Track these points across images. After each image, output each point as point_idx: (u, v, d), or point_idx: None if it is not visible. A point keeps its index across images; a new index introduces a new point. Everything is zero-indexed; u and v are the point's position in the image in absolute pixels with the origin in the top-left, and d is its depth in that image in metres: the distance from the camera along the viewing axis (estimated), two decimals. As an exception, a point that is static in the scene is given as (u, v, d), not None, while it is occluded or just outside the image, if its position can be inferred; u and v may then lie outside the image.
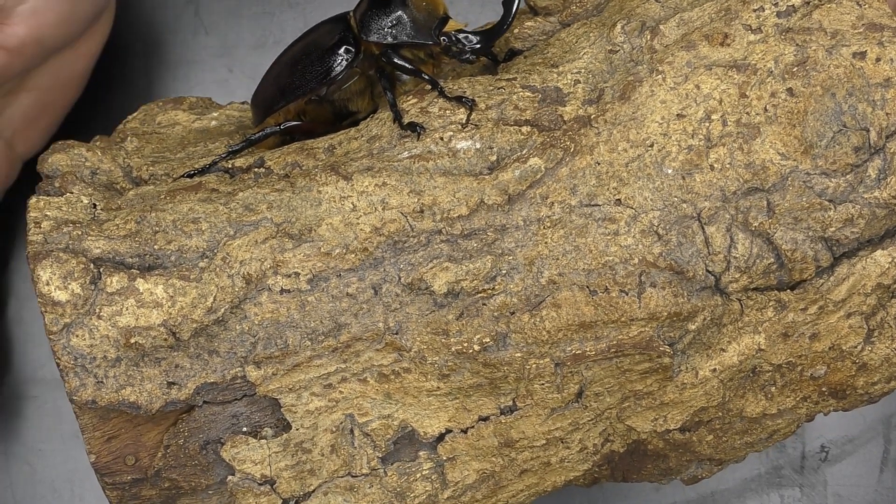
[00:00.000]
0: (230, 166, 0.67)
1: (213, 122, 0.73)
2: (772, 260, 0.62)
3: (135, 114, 0.75)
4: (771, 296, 0.63)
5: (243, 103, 0.75)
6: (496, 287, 0.61)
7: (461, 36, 0.65)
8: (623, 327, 0.62)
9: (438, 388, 0.63)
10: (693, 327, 0.62)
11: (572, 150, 0.62)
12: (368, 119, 0.66)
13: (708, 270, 0.62)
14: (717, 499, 0.84)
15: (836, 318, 0.63)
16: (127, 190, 0.67)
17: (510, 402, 0.64)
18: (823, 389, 0.66)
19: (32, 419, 0.89)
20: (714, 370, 0.63)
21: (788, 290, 0.63)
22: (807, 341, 0.64)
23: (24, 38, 0.76)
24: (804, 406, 0.66)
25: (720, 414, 0.65)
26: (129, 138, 0.71)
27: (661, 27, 0.65)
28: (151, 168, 0.68)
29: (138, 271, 0.62)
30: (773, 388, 0.65)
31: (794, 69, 0.62)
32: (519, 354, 0.62)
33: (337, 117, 0.69)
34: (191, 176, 0.67)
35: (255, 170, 0.66)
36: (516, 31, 0.73)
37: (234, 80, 0.93)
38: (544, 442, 0.64)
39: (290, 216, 0.63)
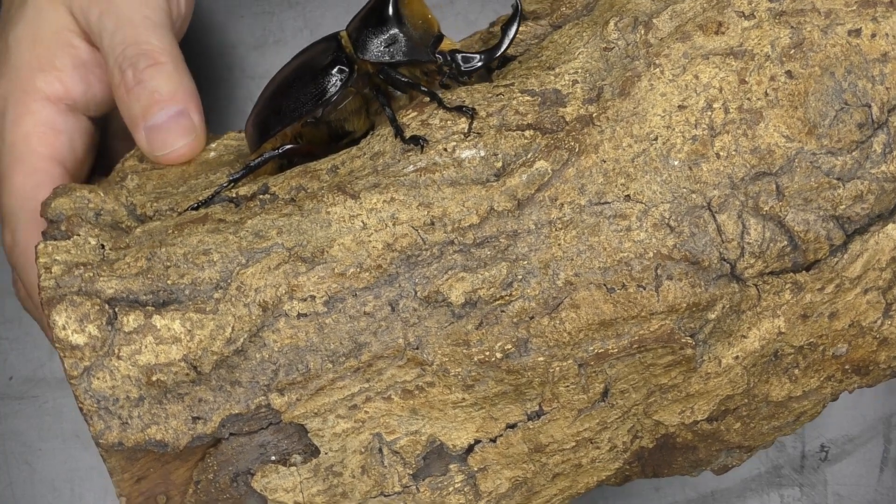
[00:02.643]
0: (234, 195, 0.67)
1: (212, 154, 0.72)
2: (785, 242, 0.62)
3: (132, 151, 0.74)
4: (787, 278, 0.63)
5: (240, 132, 0.74)
6: (513, 293, 0.61)
7: (458, 56, 0.65)
8: (643, 322, 0.61)
9: (464, 399, 0.63)
10: (713, 316, 0.62)
11: (577, 149, 0.62)
12: (369, 136, 0.66)
13: (723, 258, 0.62)
14: (717, 498, 0.84)
15: (854, 296, 0.64)
16: (133, 228, 0.67)
17: (536, 407, 0.63)
18: (846, 367, 0.66)
19: (32, 419, 0.89)
20: (737, 357, 0.63)
21: (804, 272, 0.63)
22: (826, 321, 0.64)
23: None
24: (829, 385, 0.66)
25: (746, 401, 0.65)
26: (129, 177, 0.71)
27: (655, 21, 0.65)
28: (155, 204, 0.68)
29: (154, 308, 0.62)
30: (796, 371, 0.65)
31: (792, 51, 0.62)
32: (541, 358, 0.62)
33: (334, 138, 0.68)
34: (196, 208, 0.67)
35: (261, 196, 0.66)
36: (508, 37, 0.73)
37: (234, 80, 0.93)
38: (574, 444, 0.64)
39: (300, 240, 0.62)
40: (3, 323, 0.90)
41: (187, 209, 0.67)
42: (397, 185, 0.63)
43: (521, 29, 0.74)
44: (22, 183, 0.73)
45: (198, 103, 0.73)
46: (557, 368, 0.62)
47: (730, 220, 0.61)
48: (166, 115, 0.71)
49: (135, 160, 0.73)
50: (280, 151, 0.67)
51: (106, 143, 0.82)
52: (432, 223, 0.62)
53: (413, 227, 0.62)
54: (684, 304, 0.61)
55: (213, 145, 0.73)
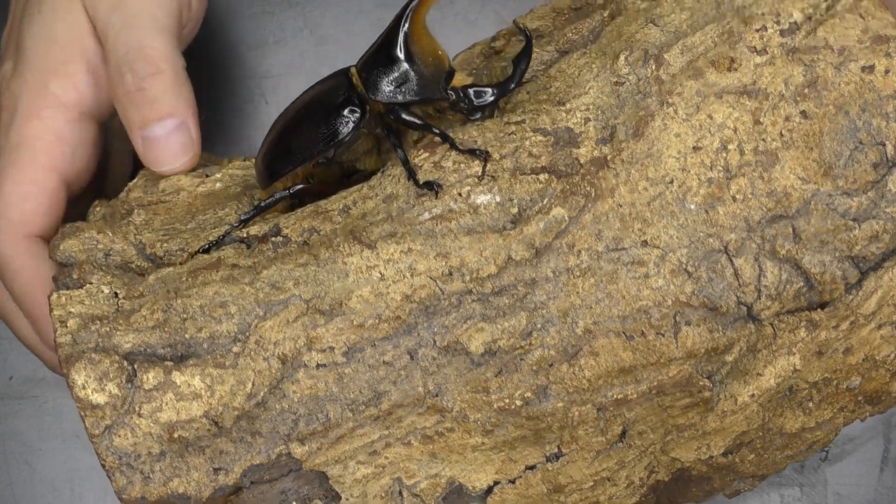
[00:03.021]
0: (245, 235, 0.67)
1: (218, 185, 0.72)
2: (801, 284, 0.62)
3: (136, 180, 0.74)
4: (802, 316, 0.63)
5: (245, 160, 0.74)
6: (532, 342, 0.61)
7: (470, 91, 0.65)
8: (662, 368, 0.62)
9: (483, 443, 0.63)
10: (730, 358, 0.62)
11: (593, 195, 0.62)
12: (380, 175, 0.66)
13: (740, 301, 0.62)
14: (718, 498, 0.85)
15: (868, 331, 0.64)
16: (144, 269, 0.67)
17: (555, 449, 0.64)
18: (859, 398, 0.66)
19: (32, 419, 0.89)
20: (752, 395, 0.64)
21: (819, 309, 0.63)
22: (840, 356, 0.64)
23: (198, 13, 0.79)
24: (841, 415, 0.67)
25: (761, 434, 0.66)
26: (135, 211, 0.70)
27: (665, 56, 0.64)
28: (165, 244, 0.67)
29: (173, 363, 0.62)
30: (810, 404, 0.66)
31: (806, 90, 0.62)
32: (561, 404, 0.62)
33: (345, 175, 0.68)
34: (207, 250, 0.66)
35: (273, 239, 0.66)
36: (510, 54, 0.72)
37: (235, 80, 0.93)
38: (592, 483, 0.65)
39: (318, 291, 0.62)
40: (3, 323, 0.90)
41: (198, 250, 0.67)
42: (414, 235, 0.62)
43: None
44: (11, 189, 0.73)
45: (195, 113, 0.73)
46: (577, 413, 0.62)
47: (747, 264, 0.62)
48: (165, 129, 0.71)
49: (139, 191, 0.72)
50: (291, 192, 0.67)
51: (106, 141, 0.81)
52: (450, 273, 0.62)
53: (431, 278, 0.62)
54: (703, 350, 0.62)
55: (219, 175, 0.73)
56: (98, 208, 0.75)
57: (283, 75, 0.93)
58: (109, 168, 0.82)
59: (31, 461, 0.88)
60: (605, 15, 0.69)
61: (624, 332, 0.61)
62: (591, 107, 0.64)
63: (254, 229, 0.67)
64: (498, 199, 0.63)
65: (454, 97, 0.65)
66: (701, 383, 0.62)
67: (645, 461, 0.65)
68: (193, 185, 0.72)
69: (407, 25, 0.65)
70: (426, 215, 0.63)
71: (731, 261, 0.62)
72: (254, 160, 0.78)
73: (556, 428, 0.63)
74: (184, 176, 0.73)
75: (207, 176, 0.73)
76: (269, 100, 0.93)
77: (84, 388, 0.61)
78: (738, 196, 0.62)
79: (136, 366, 0.61)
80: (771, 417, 0.65)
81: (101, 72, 0.74)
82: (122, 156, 0.82)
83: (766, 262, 0.62)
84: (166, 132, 0.71)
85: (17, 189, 0.73)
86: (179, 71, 0.73)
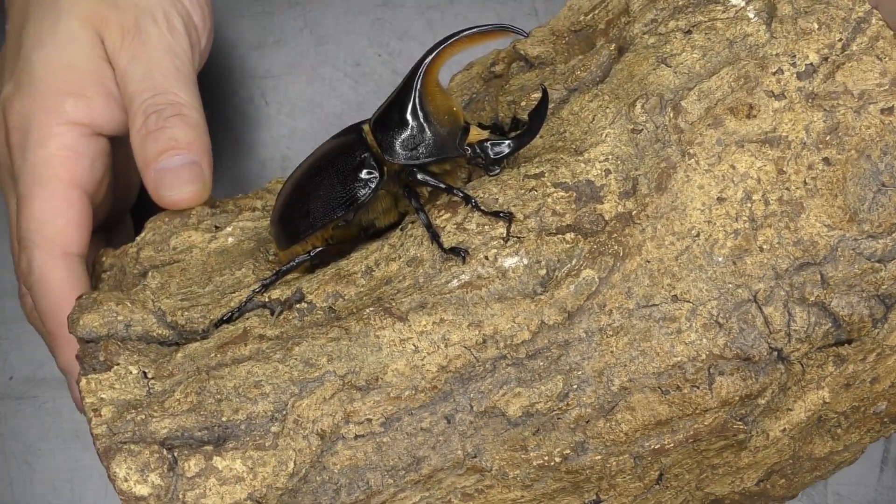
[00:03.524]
0: (267, 300, 0.66)
1: (231, 239, 0.71)
2: (830, 325, 0.63)
3: (144, 234, 0.73)
4: (830, 352, 0.64)
5: (253, 210, 0.73)
6: (570, 403, 0.62)
7: (486, 146, 0.64)
8: (697, 417, 0.63)
9: (522, 496, 0.64)
10: (763, 401, 0.63)
11: (621, 254, 0.62)
12: (401, 234, 0.66)
13: (771, 348, 0.62)
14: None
15: (893, 360, 0.65)
16: (166, 337, 0.66)
17: (594, 497, 0.65)
18: (885, 419, 0.68)
19: (32, 419, 0.89)
20: (784, 430, 0.65)
21: (846, 344, 0.64)
22: (868, 385, 0.65)
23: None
24: (868, 436, 0.68)
25: (791, 461, 0.67)
26: (149, 274, 0.70)
27: (683, 103, 0.64)
28: (186, 313, 0.67)
29: (212, 447, 0.62)
30: (839, 430, 0.67)
31: (827, 137, 0.62)
32: (599, 457, 0.63)
33: (363, 232, 0.67)
34: (230, 319, 0.66)
35: (297, 306, 0.65)
36: (514, 86, 0.72)
37: (235, 80, 0.92)
38: (631, 525, 0.66)
39: (352, 366, 0.62)
40: (3, 323, 0.90)
41: (221, 319, 0.66)
42: (445, 304, 0.62)
43: (529, 76, 0.73)
44: (41, 208, 0.74)
45: (210, 160, 0.75)
46: (614, 464, 0.63)
47: (776, 312, 0.62)
48: (180, 161, 0.73)
49: (151, 249, 0.72)
50: (311, 255, 0.66)
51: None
52: (484, 342, 0.62)
53: (465, 348, 0.62)
54: (737, 398, 0.62)
55: (230, 229, 0.72)
56: (105, 259, 0.74)
57: (283, 75, 0.93)
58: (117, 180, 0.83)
59: (31, 461, 0.89)
60: (611, 49, 0.69)
61: (659, 388, 0.62)
62: (609, 157, 0.64)
63: (275, 293, 0.66)
64: (525, 261, 0.63)
65: (471, 153, 0.65)
66: (735, 426, 0.63)
67: (680, 498, 0.67)
68: (205, 242, 0.71)
69: (420, 84, 0.64)
70: (455, 282, 0.63)
71: (760, 309, 0.62)
72: (256, 191, 0.77)
73: (594, 478, 0.64)
74: (194, 231, 0.72)
75: (217, 228, 0.72)
76: (269, 100, 0.93)
77: (126, 480, 0.61)
78: (765, 246, 0.62)
79: (175, 453, 0.61)
80: (801, 446, 0.67)
81: (116, 96, 0.76)
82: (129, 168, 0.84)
83: (795, 307, 0.62)
84: (179, 163, 0.73)
85: (48, 206, 0.74)
86: (201, 118, 0.75)
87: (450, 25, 0.91)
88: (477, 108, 0.75)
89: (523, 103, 0.69)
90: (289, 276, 0.67)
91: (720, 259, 0.62)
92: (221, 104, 0.92)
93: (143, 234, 0.73)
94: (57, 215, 0.74)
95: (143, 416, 0.62)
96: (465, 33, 0.64)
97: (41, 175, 0.75)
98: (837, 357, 0.64)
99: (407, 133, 0.64)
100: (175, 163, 0.73)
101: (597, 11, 0.73)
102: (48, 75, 0.76)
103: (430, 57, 0.64)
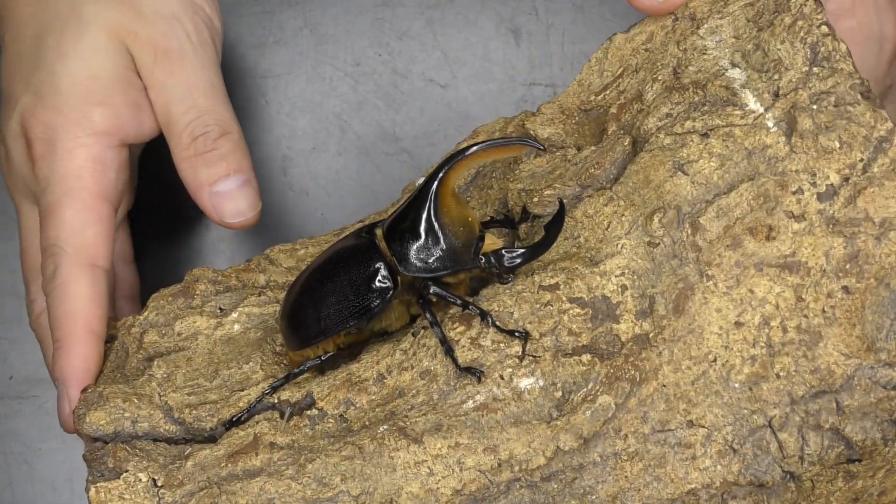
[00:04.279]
0: (276, 401, 0.66)
1: (237, 327, 0.71)
2: (842, 447, 0.63)
3: (146, 314, 0.72)
4: (840, 468, 0.64)
5: (259, 294, 0.72)
6: (583, 526, 0.62)
7: (502, 255, 0.64)
8: (709, 539, 0.63)
9: None
10: (773, 520, 0.64)
11: (638, 378, 0.62)
12: (414, 341, 0.65)
13: (784, 471, 0.63)
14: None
15: (902, 475, 0.66)
16: (173, 434, 0.66)
17: None
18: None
19: (32, 419, 0.89)
20: (792, 542, 0.66)
21: (857, 462, 0.64)
22: (875, 498, 0.66)
23: None
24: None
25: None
26: (155, 362, 0.69)
27: (701, 220, 0.63)
28: (194, 410, 0.66)
29: (225, 565, 0.62)
30: (844, 536, 0.68)
31: (847, 265, 0.62)
32: (611, 574, 0.63)
33: (374, 336, 0.67)
34: (239, 421, 0.66)
35: (308, 412, 0.65)
36: (524, 172, 0.71)
37: (234, 80, 0.91)
38: None
39: (366, 486, 0.62)
40: (3, 323, 0.90)
41: (230, 421, 0.66)
42: (460, 428, 0.62)
43: (539, 162, 0.72)
44: (72, 218, 0.75)
45: (254, 175, 0.78)
46: (626, 580, 0.64)
47: (791, 437, 0.62)
48: (236, 184, 0.76)
49: (155, 334, 0.71)
50: (322, 360, 0.66)
51: None
52: (499, 466, 0.62)
53: (480, 472, 0.62)
54: (749, 522, 0.63)
55: (235, 315, 0.71)
56: (117, 327, 0.73)
57: (283, 75, 0.93)
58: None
59: (31, 461, 0.89)
60: (625, 144, 0.68)
61: (673, 513, 0.62)
62: (626, 271, 0.64)
63: (285, 394, 0.66)
64: (541, 383, 0.62)
65: (485, 264, 0.64)
66: (746, 546, 0.64)
67: None
68: (211, 328, 0.71)
69: (435, 196, 0.63)
70: (470, 403, 0.62)
71: (775, 435, 0.62)
72: (257, 260, 0.76)
73: (604, 592, 0.64)
74: (199, 316, 0.71)
75: (222, 311, 0.72)
76: (269, 100, 0.93)
77: None
78: (781, 373, 0.62)
79: (189, 572, 0.61)
80: (807, 553, 0.67)
81: (142, 106, 0.77)
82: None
83: (810, 433, 0.62)
84: (237, 186, 0.76)
85: (78, 217, 0.75)
86: (241, 134, 0.78)
87: (450, 25, 0.91)
88: (484, 184, 0.74)
89: (535, 199, 0.68)
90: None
91: (737, 385, 0.62)
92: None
93: (145, 314, 0.72)
94: (86, 226, 0.75)
95: (155, 533, 0.62)
96: (481, 146, 0.63)
97: (71, 186, 0.75)
98: (847, 473, 0.64)
99: (421, 245, 0.63)
100: (231, 185, 0.76)
101: (608, 92, 0.72)
102: (74, 87, 0.76)
103: (446, 169, 0.63)
